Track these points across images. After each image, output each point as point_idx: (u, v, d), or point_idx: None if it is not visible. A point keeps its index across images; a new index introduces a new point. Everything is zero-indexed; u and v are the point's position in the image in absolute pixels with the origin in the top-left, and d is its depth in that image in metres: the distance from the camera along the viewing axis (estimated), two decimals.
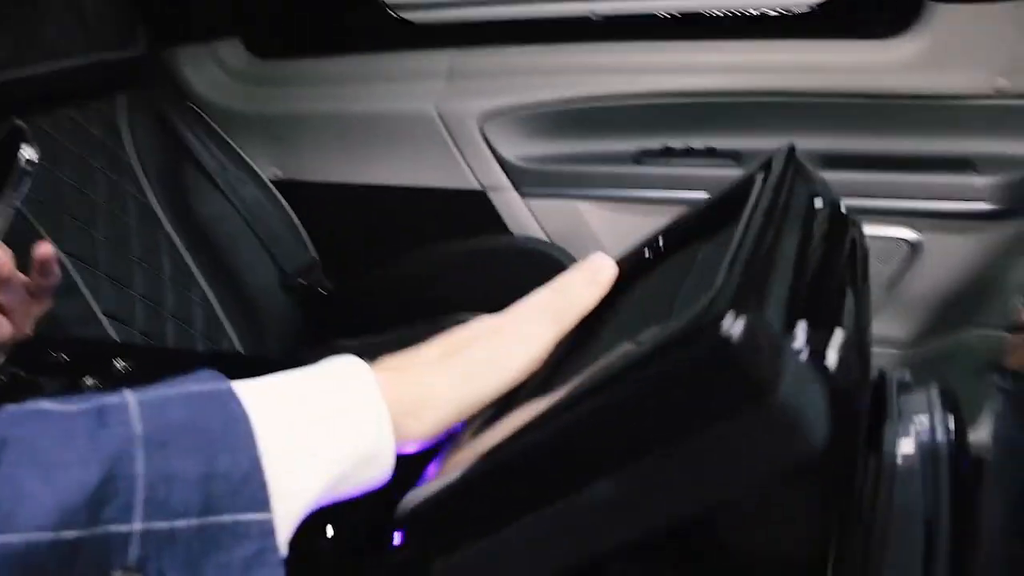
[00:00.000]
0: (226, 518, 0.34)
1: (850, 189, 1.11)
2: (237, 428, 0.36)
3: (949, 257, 1.17)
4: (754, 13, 1.28)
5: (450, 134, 1.35)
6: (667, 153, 1.29)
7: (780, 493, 0.39)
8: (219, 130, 1.45)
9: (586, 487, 0.39)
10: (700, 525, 0.41)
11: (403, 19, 1.44)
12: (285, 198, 1.45)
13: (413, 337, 0.49)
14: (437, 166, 1.37)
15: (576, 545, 0.41)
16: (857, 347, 0.42)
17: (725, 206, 0.51)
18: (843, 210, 0.54)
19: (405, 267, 1.39)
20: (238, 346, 1.35)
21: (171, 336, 1.29)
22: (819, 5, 1.23)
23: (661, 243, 0.56)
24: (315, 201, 1.46)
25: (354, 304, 1.43)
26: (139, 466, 0.33)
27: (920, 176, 1.17)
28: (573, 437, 0.39)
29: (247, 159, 1.45)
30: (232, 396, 0.37)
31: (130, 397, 0.36)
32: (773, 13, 1.27)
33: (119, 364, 0.83)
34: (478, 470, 0.42)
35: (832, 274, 0.47)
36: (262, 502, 0.35)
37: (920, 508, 0.43)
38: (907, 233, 1.17)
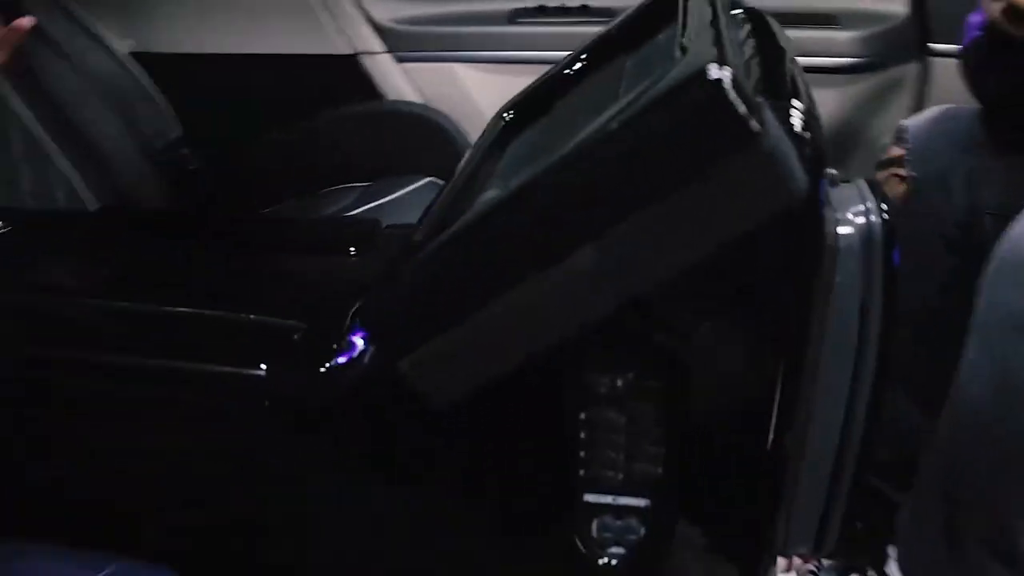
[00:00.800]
0: None
1: None
2: None
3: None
4: None
5: None
6: (542, 12, 1.27)
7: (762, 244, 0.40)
8: None
9: (569, 255, 0.38)
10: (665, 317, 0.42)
11: None
12: (142, 71, 1.34)
13: (294, 211, 0.48)
14: (304, 30, 1.30)
15: (548, 326, 0.40)
16: (811, 121, 0.43)
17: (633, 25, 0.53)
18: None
19: (278, 139, 1.32)
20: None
21: None
22: None
23: (582, 59, 0.58)
24: (175, 74, 1.35)
25: (225, 179, 1.36)
26: None
27: (786, 31, 1.18)
28: (562, 201, 0.39)
29: (97, 30, 1.32)
30: None
31: None
32: None
33: None
34: (437, 260, 0.40)
35: (779, 61, 0.49)
36: None
37: (857, 291, 0.44)
38: None
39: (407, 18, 1.29)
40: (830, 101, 1.20)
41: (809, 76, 1.14)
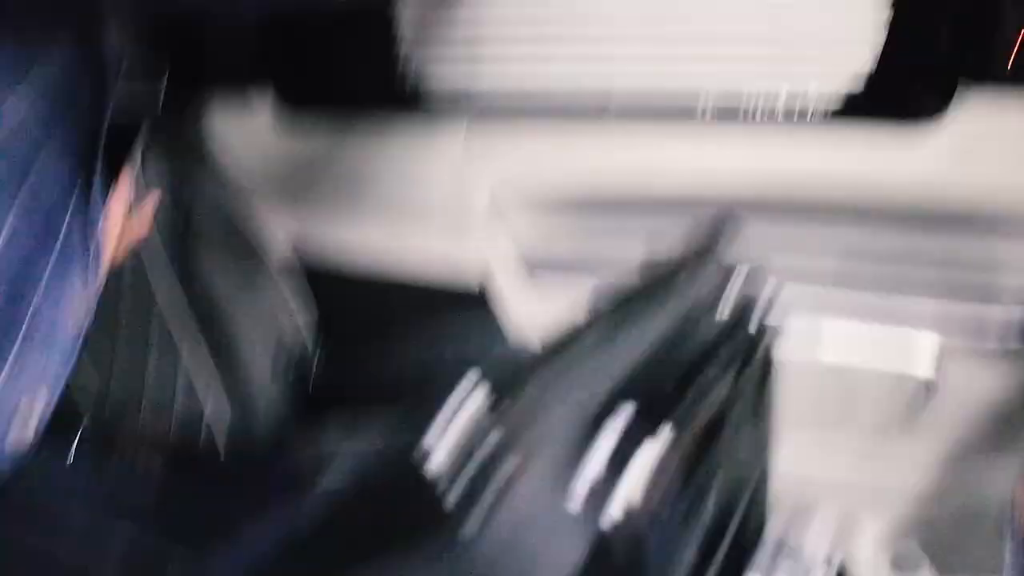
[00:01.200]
0: None
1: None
2: None
3: (966, 394, 1.11)
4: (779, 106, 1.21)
5: (459, 205, 1.30)
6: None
7: None
8: (227, 179, 1.38)
9: None
10: None
11: (421, 87, 1.36)
12: (290, 264, 1.40)
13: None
14: (443, 237, 1.32)
15: None
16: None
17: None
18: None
19: (397, 359, 1.34)
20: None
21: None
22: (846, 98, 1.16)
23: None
24: (320, 272, 1.40)
25: (340, 389, 1.38)
26: None
27: (941, 303, 1.11)
28: None
29: (254, 216, 1.39)
30: None
31: None
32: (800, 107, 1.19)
33: None
34: None
35: None
36: None
37: None
38: (921, 369, 1.13)
39: (547, 236, 1.29)
40: (981, 386, 1.08)
41: (960, 357, 1.03)
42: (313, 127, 1.41)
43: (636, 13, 1.15)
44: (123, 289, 1.22)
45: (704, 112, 1.16)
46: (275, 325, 1.36)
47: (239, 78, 1.41)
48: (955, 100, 1.04)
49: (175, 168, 1.31)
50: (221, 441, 1.24)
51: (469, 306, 1.32)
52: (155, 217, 0.75)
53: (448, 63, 1.30)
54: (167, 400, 1.23)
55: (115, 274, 1.20)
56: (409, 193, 1.34)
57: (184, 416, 1.24)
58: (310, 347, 1.40)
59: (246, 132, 1.43)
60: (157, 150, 1.29)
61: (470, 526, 0.43)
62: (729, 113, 1.15)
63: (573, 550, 0.43)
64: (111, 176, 0.70)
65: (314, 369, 1.40)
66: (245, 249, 1.35)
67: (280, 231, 1.42)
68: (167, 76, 1.24)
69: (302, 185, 1.41)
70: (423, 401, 0.58)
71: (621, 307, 0.78)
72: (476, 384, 0.56)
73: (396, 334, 1.34)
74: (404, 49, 1.31)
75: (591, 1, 1.18)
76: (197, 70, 1.40)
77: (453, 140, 1.31)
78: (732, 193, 1.16)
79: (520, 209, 1.29)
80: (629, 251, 1.21)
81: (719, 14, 1.12)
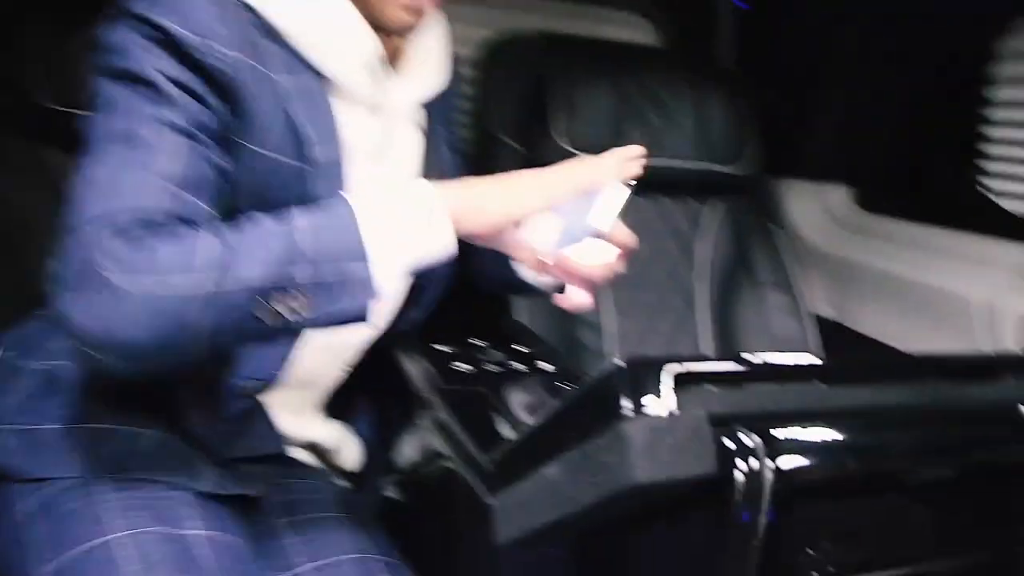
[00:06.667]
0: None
1: None
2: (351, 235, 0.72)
3: None
4: None
5: (987, 328, 1.33)
6: None
7: None
8: (783, 255, 1.57)
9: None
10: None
11: (999, 206, 1.44)
12: (822, 337, 1.54)
13: None
14: (962, 346, 1.36)
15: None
16: None
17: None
18: None
19: None
20: None
21: None
22: None
23: None
24: (841, 346, 1.53)
25: None
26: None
27: None
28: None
29: (796, 291, 1.56)
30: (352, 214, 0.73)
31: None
32: None
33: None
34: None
35: None
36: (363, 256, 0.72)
37: None
38: None
39: None
40: None
41: None
42: (881, 222, 1.57)
43: None
44: None
45: None
46: None
47: (819, 172, 1.64)
48: None
49: (742, 230, 1.58)
50: None
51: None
52: None
53: None
54: None
55: None
56: (945, 293, 1.39)
57: None
58: None
59: (820, 213, 1.64)
60: (733, 212, 1.57)
61: None
62: None
63: None
64: None
65: None
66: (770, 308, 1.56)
67: (815, 301, 1.60)
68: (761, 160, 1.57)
69: (853, 265, 1.56)
70: None
71: None
72: None
73: None
74: (986, 164, 1.40)
75: None
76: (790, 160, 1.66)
77: (1009, 258, 1.34)
78: None
79: None
80: None
81: None
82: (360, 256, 0.71)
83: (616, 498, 0.48)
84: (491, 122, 1.50)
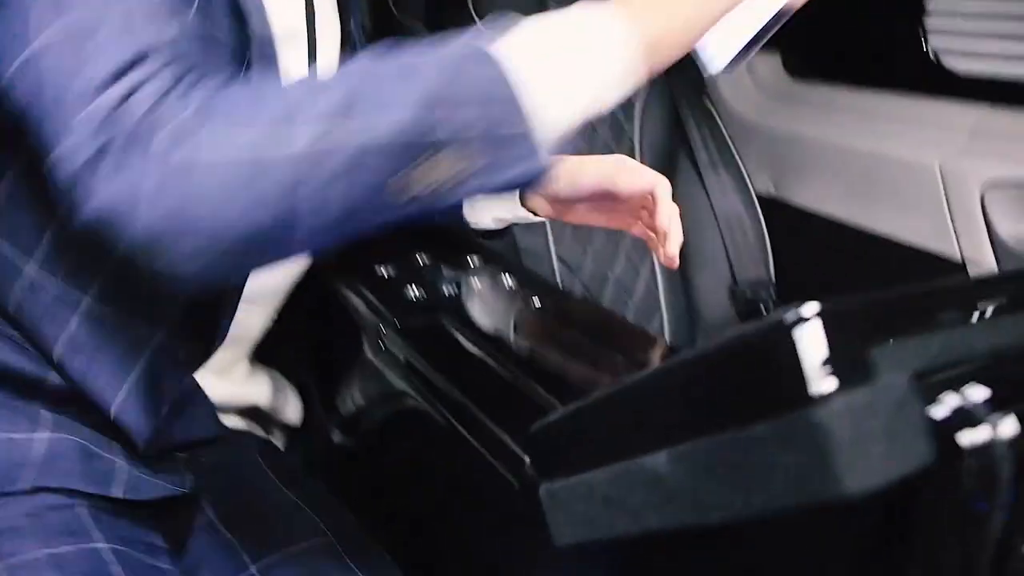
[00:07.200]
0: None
1: None
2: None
3: None
4: None
5: (946, 194, 1.25)
6: None
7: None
8: (725, 133, 1.48)
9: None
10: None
11: (943, 66, 1.34)
12: (764, 213, 1.46)
13: None
14: (921, 224, 1.28)
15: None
16: None
17: None
18: None
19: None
20: (666, 332, 1.39)
21: (607, 296, 1.36)
22: None
23: None
24: (789, 224, 1.45)
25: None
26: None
27: None
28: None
29: (742, 168, 1.48)
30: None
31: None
32: None
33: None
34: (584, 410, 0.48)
35: None
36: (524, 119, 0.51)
37: None
38: None
39: None
40: None
41: None
42: (819, 86, 1.46)
43: None
44: None
45: None
46: (734, 266, 1.45)
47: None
48: None
49: (671, 109, 1.46)
50: None
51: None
52: None
53: (976, 43, 1.25)
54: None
55: None
56: (897, 162, 1.31)
57: None
58: (763, 294, 1.45)
59: (750, 83, 1.50)
60: (657, 92, 1.44)
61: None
62: None
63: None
64: None
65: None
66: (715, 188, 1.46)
67: (758, 178, 1.48)
68: None
69: (792, 136, 1.44)
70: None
71: None
72: None
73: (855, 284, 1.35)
74: (928, 24, 1.29)
75: None
76: None
77: (962, 119, 1.26)
78: None
79: (1014, 215, 1.20)
80: None
81: None
82: (518, 101, 0.51)
83: (794, 510, 0.34)
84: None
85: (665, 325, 1.40)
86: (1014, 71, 1.26)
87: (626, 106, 1.40)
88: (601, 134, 1.38)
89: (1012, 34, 1.24)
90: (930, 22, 1.34)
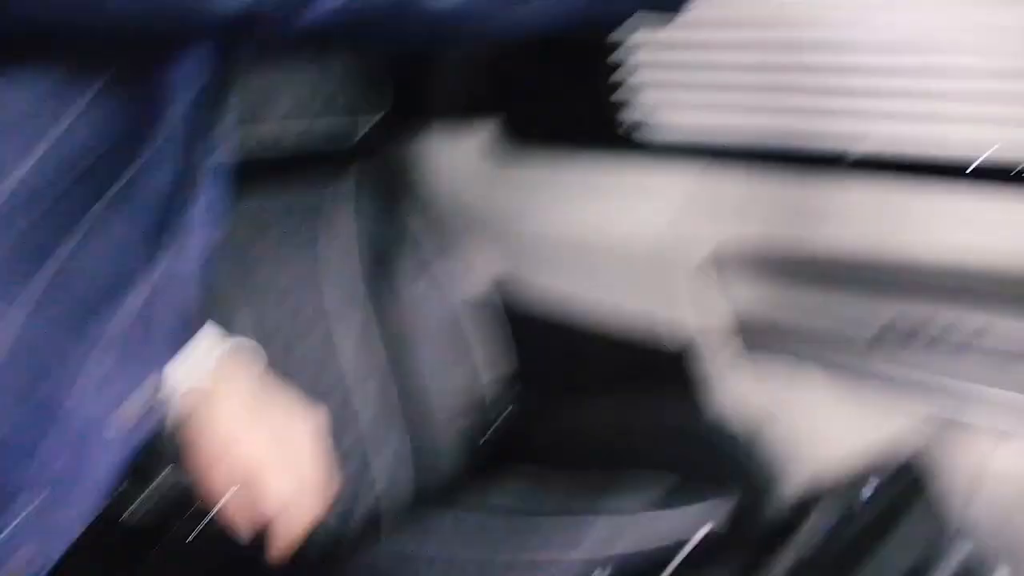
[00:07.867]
0: None
1: None
2: None
3: None
4: None
5: (674, 263, 1.22)
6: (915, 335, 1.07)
7: None
8: (444, 217, 1.39)
9: None
10: None
11: (648, 130, 1.30)
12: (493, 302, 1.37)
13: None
14: (651, 294, 1.25)
15: None
16: None
17: None
18: None
19: (590, 412, 1.29)
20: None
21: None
22: None
23: None
24: (518, 315, 1.37)
25: (528, 433, 1.33)
26: None
27: None
28: None
29: (463, 254, 1.38)
30: None
31: None
32: None
33: None
34: None
35: None
36: None
37: None
38: None
39: (764, 305, 1.17)
40: None
41: None
42: (531, 162, 1.38)
43: (892, 64, 1.04)
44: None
45: (969, 172, 1.01)
46: (466, 369, 1.32)
47: (460, 110, 1.41)
48: None
49: (381, 200, 1.33)
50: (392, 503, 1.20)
51: (670, 372, 1.22)
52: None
53: (679, 109, 1.24)
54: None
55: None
56: (622, 240, 1.27)
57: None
58: (500, 394, 1.35)
59: (463, 162, 1.41)
60: (364, 181, 1.32)
61: None
62: (997, 174, 0.99)
63: None
64: None
65: (501, 417, 1.33)
66: (439, 285, 1.34)
67: (483, 269, 1.39)
68: (389, 107, 1.34)
69: (512, 220, 1.38)
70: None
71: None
72: None
73: (591, 390, 1.27)
74: (630, 91, 1.27)
75: (840, 49, 1.08)
76: (419, 101, 1.41)
77: (676, 188, 1.23)
78: (997, 268, 0.99)
79: (741, 271, 1.18)
80: (861, 329, 1.09)
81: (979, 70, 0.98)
82: None
83: None
84: None
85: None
86: (718, 137, 1.25)
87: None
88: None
89: (713, 103, 1.24)
90: (631, 93, 1.32)
